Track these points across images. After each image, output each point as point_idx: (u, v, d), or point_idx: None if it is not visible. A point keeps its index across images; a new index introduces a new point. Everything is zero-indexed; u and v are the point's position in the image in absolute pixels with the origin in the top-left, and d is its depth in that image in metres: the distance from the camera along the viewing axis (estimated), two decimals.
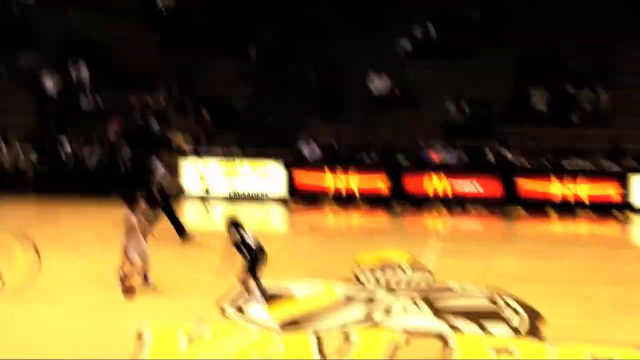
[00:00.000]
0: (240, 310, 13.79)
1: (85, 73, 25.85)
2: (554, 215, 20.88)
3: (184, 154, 22.88)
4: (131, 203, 14.18)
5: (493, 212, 21.06)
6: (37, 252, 16.74)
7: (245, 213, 21.27)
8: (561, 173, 21.64)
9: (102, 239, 18.08)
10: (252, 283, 14.04)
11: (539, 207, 21.19)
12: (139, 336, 12.67)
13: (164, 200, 17.92)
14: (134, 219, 14.05)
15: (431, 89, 25.28)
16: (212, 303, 13.95)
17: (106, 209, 20.77)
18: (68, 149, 22.88)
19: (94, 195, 21.90)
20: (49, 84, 25.64)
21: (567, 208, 21.21)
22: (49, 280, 15.30)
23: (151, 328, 12.93)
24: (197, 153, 22.66)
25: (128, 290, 14.20)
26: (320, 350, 12.29)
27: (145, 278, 14.45)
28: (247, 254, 13.87)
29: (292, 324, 13.22)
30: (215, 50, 26.15)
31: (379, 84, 25.15)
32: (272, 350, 12.31)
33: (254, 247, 13.96)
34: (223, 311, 13.69)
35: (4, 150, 23.02)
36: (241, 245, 13.84)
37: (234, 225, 14.01)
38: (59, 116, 24.71)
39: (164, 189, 18.16)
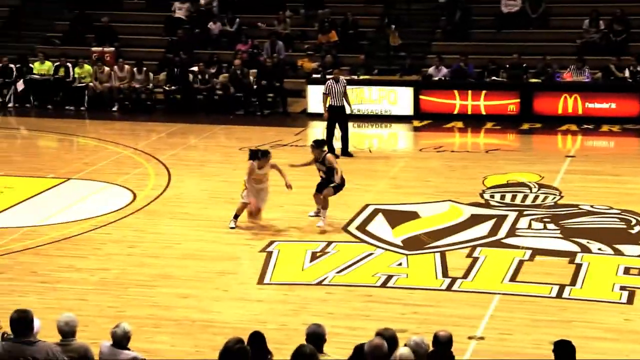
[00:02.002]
0: (364, 230, 13.84)
1: None
2: None
3: (310, 77, 22.90)
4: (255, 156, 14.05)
5: (627, 131, 20.30)
6: (167, 171, 17.31)
7: (371, 134, 21.27)
8: None
9: (228, 160, 18.42)
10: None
11: None
12: (266, 252, 12.94)
13: (342, 118, 18.36)
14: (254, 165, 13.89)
15: (566, 6, 24.43)
16: (338, 225, 14.04)
17: (232, 132, 21.23)
18: (197, 73, 23.22)
19: (221, 118, 22.27)
20: (180, 10, 26.03)
21: None
22: (177, 198, 15.76)
23: (278, 246, 13.18)
24: (324, 76, 22.67)
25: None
26: (444, 268, 12.26)
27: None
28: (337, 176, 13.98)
29: (416, 242, 13.19)
30: None
31: (510, 2, 24.42)
32: (395, 267, 12.34)
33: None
34: (348, 232, 13.78)
35: (137, 76, 23.60)
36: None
37: (320, 145, 14.22)
38: (189, 41, 25.11)
39: (339, 107, 18.37)
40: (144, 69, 23.75)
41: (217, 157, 19.05)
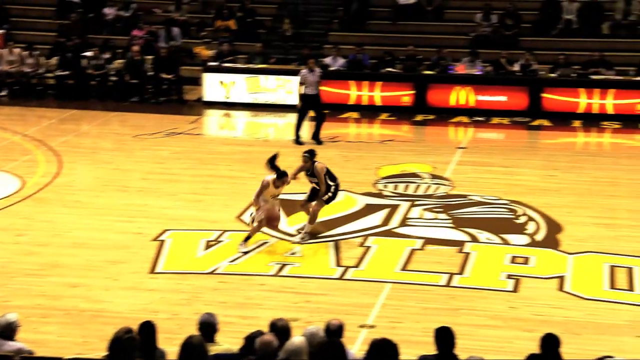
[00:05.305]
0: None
1: None
2: (578, 126, 20.60)
3: (206, 65, 22.73)
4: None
5: (517, 124, 20.82)
6: (58, 158, 16.93)
7: (267, 123, 21.26)
8: (588, 85, 21.26)
9: (121, 147, 18.15)
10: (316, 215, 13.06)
11: (564, 118, 20.91)
12: (159, 241, 12.81)
13: (317, 106, 18.77)
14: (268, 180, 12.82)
15: (460, 0, 24.87)
16: (234, 215, 13.98)
17: (126, 119, 20.91)
18: (91, 59, 22.76)
19: (115, 105, 21.93)
20: None
21: (592, 119, 20.89)
22: (68, 186, 15.45)
23: (171, 235, 13.06)
24: (221, 65, 22.53)
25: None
26: (337, 257, 12.36)
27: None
28: (331, 186, 13.05)
29: (310, 232, 13.23)
30: None
31: None
32: (289, 256, 12.39)
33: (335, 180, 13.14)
34: (242, 221, 13.73)
35: (28, 59, 23.00)
36: (326, 176, 13.02)
37: (312, 155, 13.18)
38: (83, 26, 24.60)
39: (313, 96, 18.66)
40: (35, 52, 23.15)
41: (110, 144, 18.73)
